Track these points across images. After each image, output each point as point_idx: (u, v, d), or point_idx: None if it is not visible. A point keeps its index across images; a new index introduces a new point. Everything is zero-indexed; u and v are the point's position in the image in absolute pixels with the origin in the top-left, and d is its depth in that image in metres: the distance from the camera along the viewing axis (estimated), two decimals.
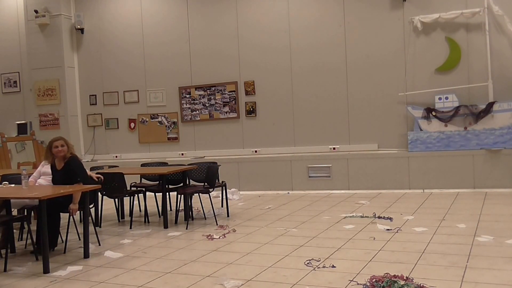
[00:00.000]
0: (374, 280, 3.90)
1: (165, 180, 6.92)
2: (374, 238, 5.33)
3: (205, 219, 7.01)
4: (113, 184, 6.55)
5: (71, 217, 5.85)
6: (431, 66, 8.63)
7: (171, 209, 7.38)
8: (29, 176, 5.70)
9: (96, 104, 11.13)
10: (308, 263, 4.52)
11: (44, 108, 11.04)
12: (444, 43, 8.55)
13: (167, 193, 6.89)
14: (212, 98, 10.12)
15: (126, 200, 7.26)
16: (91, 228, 5.53)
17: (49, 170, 5.93)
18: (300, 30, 9.46)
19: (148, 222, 7.05)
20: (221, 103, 10.07)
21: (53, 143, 5.60)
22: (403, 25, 8.78)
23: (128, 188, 7.21)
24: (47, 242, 4.79)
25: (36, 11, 10.78)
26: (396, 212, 6.72)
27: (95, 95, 11.12)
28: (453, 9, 8.34)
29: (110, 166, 8.19)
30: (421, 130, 8.53)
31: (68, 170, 5.57)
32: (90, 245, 5.37)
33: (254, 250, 5.17)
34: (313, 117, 9.43)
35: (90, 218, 5.61)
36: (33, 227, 5.75)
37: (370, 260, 4.53)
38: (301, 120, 9.52)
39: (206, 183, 6.88)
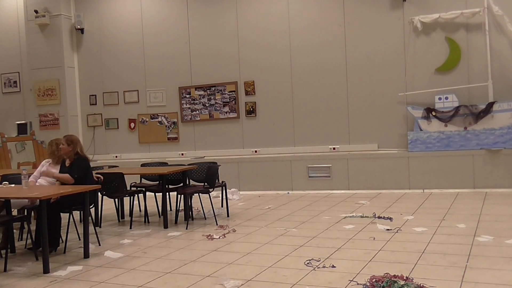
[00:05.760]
0: (374, 280, 3.90)
1: (165, 180, 6.92)
2: (374, 238, 5.33)
3: (205, 219, 7.01)
4: (113, 184, 6.55)
5: (71, 217, 5.87)
6: (431, 66, 8.63)
7: (171, 209, 7.37)
8: (29, 176, 5.71)
9: (96, 104, 11.13)
10: (308, 263, 4.52)
11: (44, 108, 11.04)
12: (444, 43, 8.55)
13: (167, 193, 6.89)
14: (212, 98, 10.12)
15: (126, 200, 7.26)
16: (91, 228, 5.53)
17: (49, 171, 5.96)
18: (300, 30, 9.46)
19: (148, 222, 7.05)
20: (221, 103, 10.07)
21: (59, 142, 5.91)
22: (403, 25, 8.78)
23: (128, 188, 7.21)
24: (47, 242, 4.79)
25: (36, 11, 10.78)
26: (396, 212, 6.72)
27: (95, 95, 11.13)
28: (453, 9, 8.34)
29: (110, 166, 8.20)
30: (421, 130, 8.53)
31: (71, 168, 5.73)
32: (90, 245, 5.37)
33: (254, 250, 5.17)
34: (313, 117, 9.43)
35: (90, 218, 5.62)
36: (33, 227, 5.74)
37: (370, 260, 4.53)
38: (301, 120, 9.52)
39: (206, 183, 6.88)
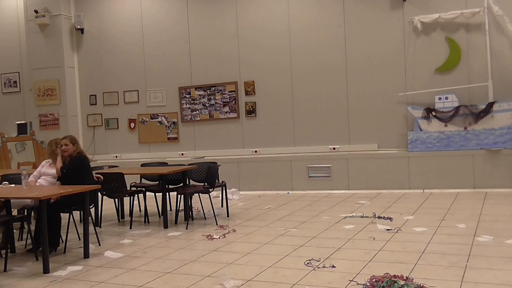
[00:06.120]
0: (374, 280, 3.90)
1: (165, 180, 6.92)
2: (374, 238, 5.33)
3: (205, 219, 7.01)
4: (113, 184, 6.55)
5: (71, 217, 5.87)
6: (431, 66, 8.63)
7: (171, 209, 7.37)
8: (29, 176, 5.71)
9: (96, 104, 11.13)
10: (308, 263, 4.52)
11: (44, 108, 11.04)
12: (444, 43, 8.55)
13: (167, 193, 6.89)
14: (212, 98, 10.12)
15: (126, 200, 7.26)
16: (91, 228, 5.53)
17: (49, 171, 5.99)
18: (300, 30, 9.46)
19: (148, 222, 7.05)
20: (221, 103, 10.07)
21: (59, 142, 5.87)
22: (403, 25, 8.78)
23: (128, 188, 7.21)
24: (47, 242, 4.79)
25: (36, 11, 10.78)
26: (396, 212, 6.72)
27: (95, 95, 11.13)
28: (453, 9, 8.34)
29: (110, 166, 8.20)
30: (421, 130, 8.53)
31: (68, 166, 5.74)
32: (90, 245, 5.37)
33: (254, 250, 5.17)
34: (313, 117, 9.43)
35: (90, 218, 5.62)
36: (33, 227, 5.74)
37: (370, 260, 4.53)
38: (301, 120, 9.52)
39: (206, 183, 6.88)
